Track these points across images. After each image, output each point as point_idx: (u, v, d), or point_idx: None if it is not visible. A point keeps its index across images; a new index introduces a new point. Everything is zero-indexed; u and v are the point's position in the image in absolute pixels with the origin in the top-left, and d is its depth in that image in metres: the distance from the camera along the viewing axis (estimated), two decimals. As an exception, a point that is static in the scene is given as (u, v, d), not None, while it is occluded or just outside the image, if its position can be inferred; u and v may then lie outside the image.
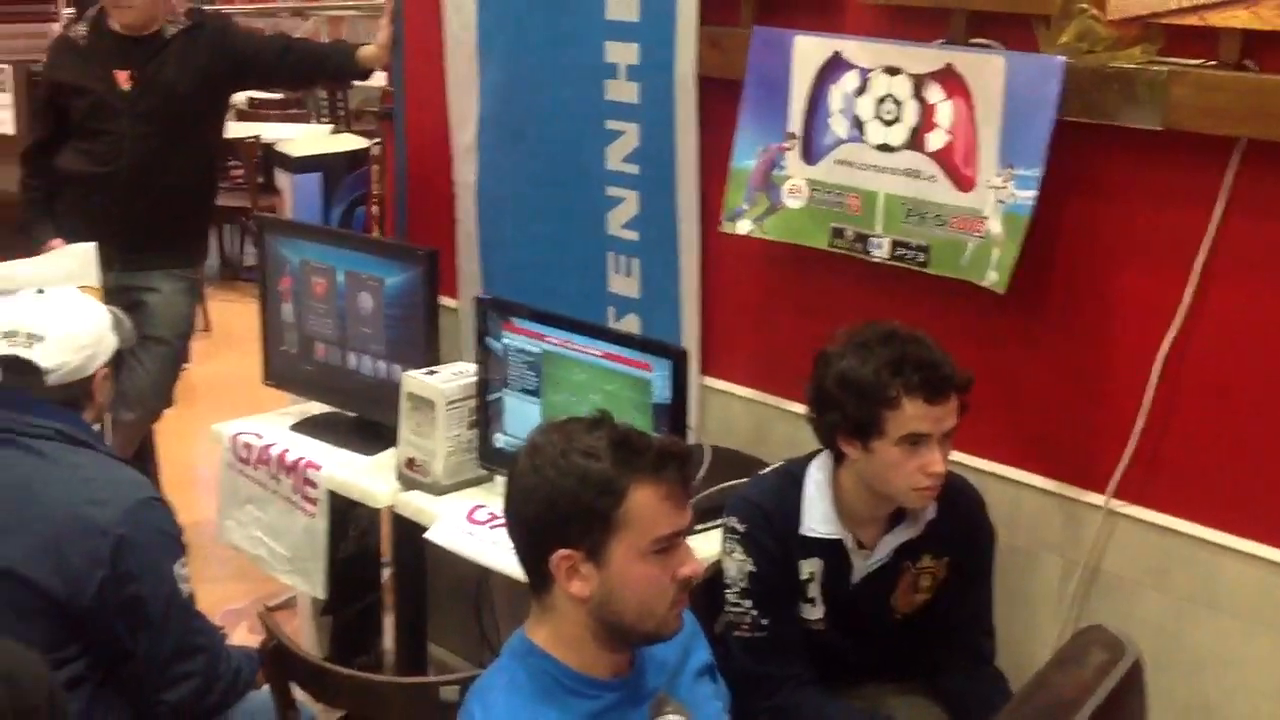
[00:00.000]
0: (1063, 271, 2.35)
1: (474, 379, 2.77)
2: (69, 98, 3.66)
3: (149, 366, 3.72)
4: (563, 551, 1.68)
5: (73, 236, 3.48)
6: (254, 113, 7.61)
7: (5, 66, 5.10)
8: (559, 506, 1.68)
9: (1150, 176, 2.22)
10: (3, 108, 5.14)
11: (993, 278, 2.31)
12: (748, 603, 2.21)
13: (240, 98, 6.92)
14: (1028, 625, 2.46)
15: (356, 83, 4.16)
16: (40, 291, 2.36)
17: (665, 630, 1.74)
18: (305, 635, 3.45)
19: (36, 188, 3.73)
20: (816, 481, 2.22)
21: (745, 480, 2.43)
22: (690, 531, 1.76)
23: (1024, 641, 2.44)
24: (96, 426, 2.34)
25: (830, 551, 2.21)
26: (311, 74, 3.94)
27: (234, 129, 6.01)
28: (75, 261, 3.24)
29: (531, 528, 1.72)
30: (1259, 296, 2.14)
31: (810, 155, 2.56)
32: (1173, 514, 2.28)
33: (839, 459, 2.19)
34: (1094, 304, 2.32)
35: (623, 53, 2.81)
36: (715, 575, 2.30)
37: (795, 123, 2.56)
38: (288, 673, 2.14)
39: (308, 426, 3.14)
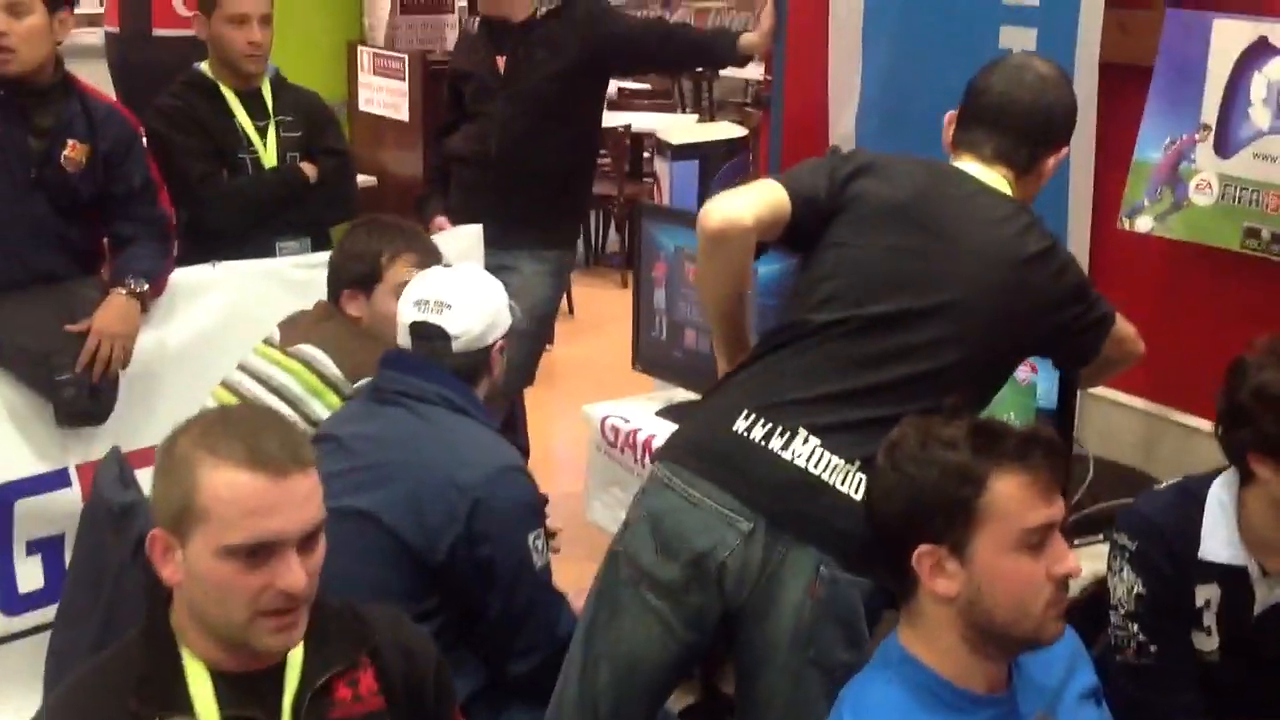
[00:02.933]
0: None
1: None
2: (462, 83, 3.83)
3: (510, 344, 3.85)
4: (925, 547, 1.61)
5: (454, 215, 3.64)
6: (622, 102, 7.81)
7: (403, 56, 5.37)
8: (920, 500, 1.62)
9: None
10: (399, 96, 5.42)
11: None
12: (1134, 626, 2.06)
13: (609, 88, 7.10)
14: None
15: (724, 72, 4.16)
16: (448, 265, 2.49)
17: (1044, 635, 1.63)
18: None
19: (435, 168, 3.94)
20: (1220, 501, 2.04)
21: (1132, 497, 2.28)
22: (1065, 529, 1.65)
23: None
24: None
25: (1232, 578, 2.03)
26: (693, 60, 3.95)
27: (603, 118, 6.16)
28: (464, 242, 3.39)
29: (894, 526, 1.66)
30: None
31: (1225, 148, 2.37)
32: None
33: (1247, 479, 2.01)
34: None
35: (1019, 38, 2.69)
36: (1097, 594, 2.17)
37: (1210, 113, 2.38)
38: None
39: (673, 413, 3.15)
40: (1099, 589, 2.15)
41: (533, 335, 3.83)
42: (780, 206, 2.06)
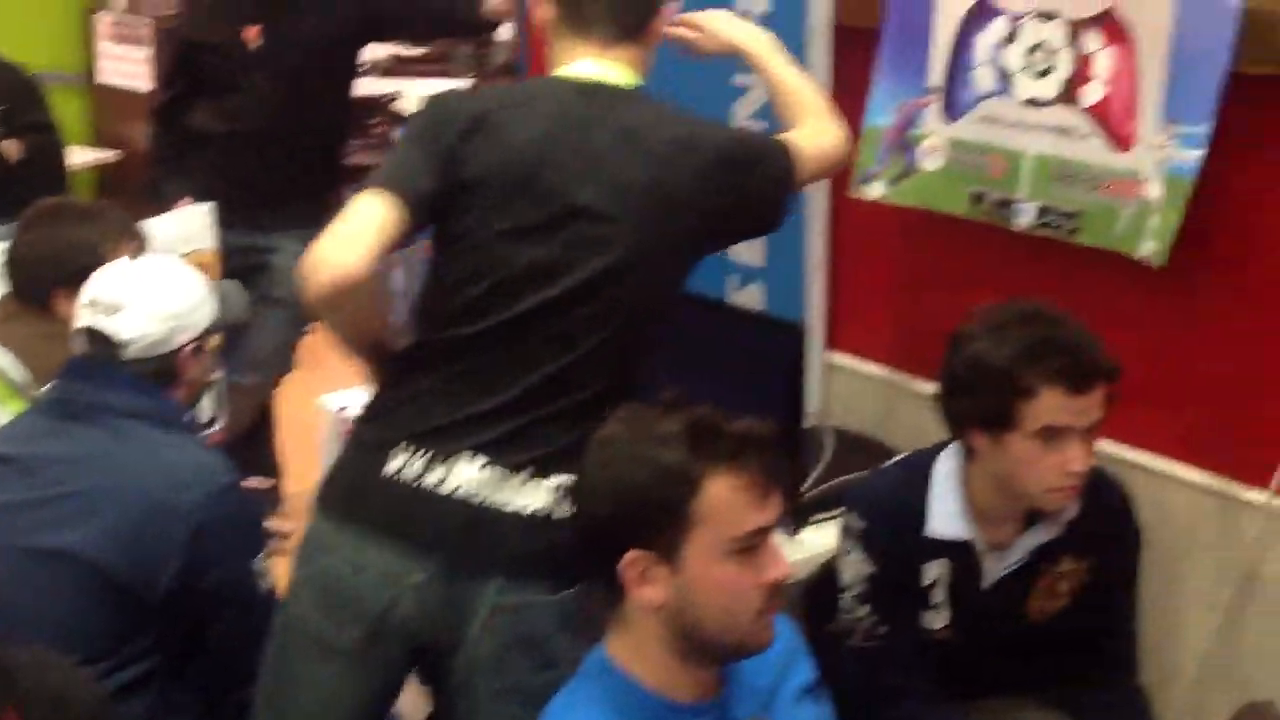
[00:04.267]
0: (1229, 242, 2.11)
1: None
2: (197, 53, 3.59)
3: (270, 328, 3.65)
4: (633, 553, 1.51)
5: (201, 197, 3.41)
6: (400, 68, 7.55)
7: (149, 20, 5.08)
8: (629, 502, 1.52)
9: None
10: (143, 64, 5.13)
11: (1150, 248, 2.08)
12: (865, 609, 2.02)
13: (382, 53, 6.86)
14: (1173, 635, 2.24)
15: (499, 38, 4.02)
16: (142, 257, 2.26)
17: (752, 644, 1.55)
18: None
19: (168, 145, 3.68)
20: (945, 475, 2.01)
21: (872, 469, 2.24)
22: (805, 505, 1.57)
23: (1168, 653, 2.24)
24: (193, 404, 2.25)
25: (959, 553, 2.00)
26: (445, 27, 3.80)
27: (375, 85, 5.94)
28: (191, 224, 3.17)
29: (599, 528, 1.56)
30: None
31: (952, 111, 2.34)
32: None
33: (969, 452, 1.98)
34: (1264, 277, 2.08)
35: (753, 0, 2.62)
36: (826, 575, 2.12)
37: (936, 76, 2.34)
38: None
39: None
40: (828, 570, 2.10)
41: (297, 319, 3.64)
42: (393, 226, 1.80)
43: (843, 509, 2.10)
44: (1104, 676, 2.08)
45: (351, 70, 3.76)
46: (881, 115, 2.44)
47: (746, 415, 1.56)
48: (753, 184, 1.91)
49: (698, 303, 2.53)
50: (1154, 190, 2.07)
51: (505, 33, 3.64)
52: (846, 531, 2.05)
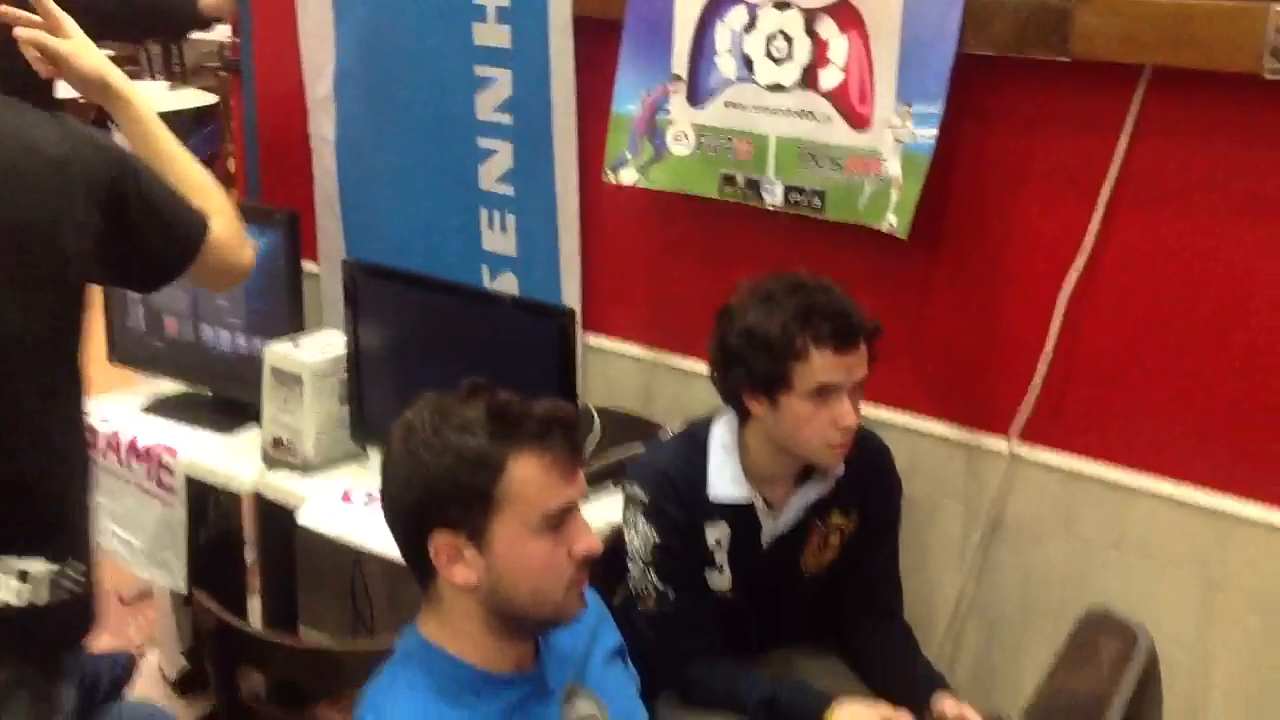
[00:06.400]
0: (964, 212, 2.27)
1: (343, 350, 2.59)
2: None
3: None
4: (442, 536, 1.53)
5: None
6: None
7: None
8: (435, 488, 1.53)
9: (1054, 109, 2.14)
10: None
11: (892, 222, 2.21)
12: (653, 576, 2.09)
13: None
14: (929, 578, 2.40)
15: (195, 35, 3.88)
16: None
17: (565, 614, 1.59)
18: (164, 628, 3.24)
19: None
20: (722, 443, 2.10)
21: (638, 446, 2.31)
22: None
23: (925, 593, 2.39)
24: None
25: (739, 515, 2.10)
26: (154, 24, 3.65)
27: (64, 88, 5.62)
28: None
29: (409, 514, 1.57)
30: (1164, 229, 2.09)
31: (696, 98, 2.43)
32: (1078, 455, 2.24)
33: (745, 418, 2.07)
34: (997, 244, 2.24)
35: (491, -7, 2.65)
36: (612, 545, 2.18)
37: (680, 64, 2.42)
38: (236, 652, 2.02)
39: (160, 408, 2.93)
40: (617, 539, 2.16)
41: None
42: None
43: (623, 482, 2.17)
44: (872, 620, 2.22)
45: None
46: (629, 103, 2.50)
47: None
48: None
49: (463, 292, 2.56)
50: (893, 167, 2.20)
51: (216, 33, 3.52)
52: (631, 503, 2.11)
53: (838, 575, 2.20)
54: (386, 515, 1.62)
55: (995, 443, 2.30)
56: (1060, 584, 2.27)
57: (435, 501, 1.53)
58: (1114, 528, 2.21)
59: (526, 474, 1.53)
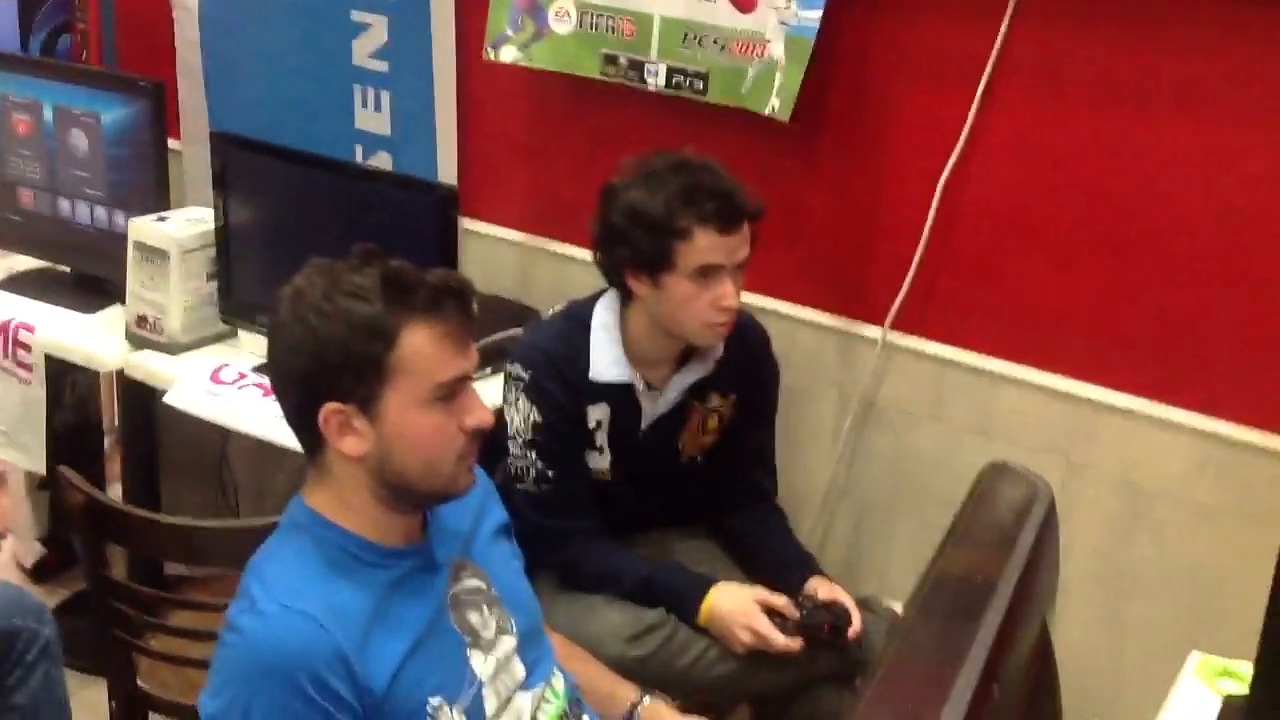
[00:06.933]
0: (847, 98, 2.27)
1: (211, 225, 2.51)
2: None
3: None
4: (331, 405, 1.50)
5: None
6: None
7: None
8: (326, 356, 1.49)
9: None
10: None
11: (775, 105, 2.21)
12: (532, 454, 2.08)
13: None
14: (803, 462, 2.44)
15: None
16: None
17: (455, 487, 1.58)
18: (21, 512, 3.15)
19: None
20: (603, 324, 2.09)
21: (517, 331, 2.29)
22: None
23: (799, 477, 2.43)
24: None
25: (619, 396, 2.10)
26: None
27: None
28: None
29: (298, 383, 1.53)
30: (1037, 117, 2.12)
31: (580, -26, 2.38)
32: (948, 343, 2.29)
33: (627, 298, 2.07)
34: (878, 131, 2.26)
35: None
36: (492, 429, 2.16)
37: (566, -61, 2.37)
38: (103, 529, 1.96)
39: (16, 284, 2.82)
40: (496, 420, 2.14)
41: None
42: None
43: (504, 362, 2.15)
44: (748, 503, 2.25)
45: None
46: (510, -21, 2.45)
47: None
48: None
49: (340, 168, 2.49)
50: (777, 50, 2.20)
51: None
52: (512, 381, 2.09)
53: (715, 459, 2.23)
54: (274, 384, 1.58)
55: (870, 330, 2.33)
56: (928, 468, 2.33)
57: (326, 370, 1.49)
58: (981, 414, 2.27)
59: (419, 344, 1.50)
